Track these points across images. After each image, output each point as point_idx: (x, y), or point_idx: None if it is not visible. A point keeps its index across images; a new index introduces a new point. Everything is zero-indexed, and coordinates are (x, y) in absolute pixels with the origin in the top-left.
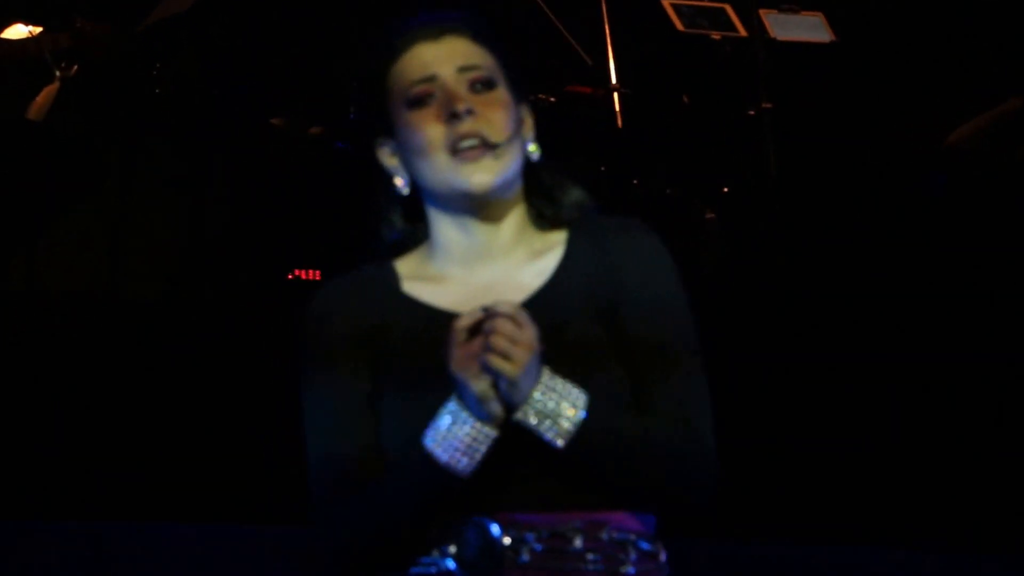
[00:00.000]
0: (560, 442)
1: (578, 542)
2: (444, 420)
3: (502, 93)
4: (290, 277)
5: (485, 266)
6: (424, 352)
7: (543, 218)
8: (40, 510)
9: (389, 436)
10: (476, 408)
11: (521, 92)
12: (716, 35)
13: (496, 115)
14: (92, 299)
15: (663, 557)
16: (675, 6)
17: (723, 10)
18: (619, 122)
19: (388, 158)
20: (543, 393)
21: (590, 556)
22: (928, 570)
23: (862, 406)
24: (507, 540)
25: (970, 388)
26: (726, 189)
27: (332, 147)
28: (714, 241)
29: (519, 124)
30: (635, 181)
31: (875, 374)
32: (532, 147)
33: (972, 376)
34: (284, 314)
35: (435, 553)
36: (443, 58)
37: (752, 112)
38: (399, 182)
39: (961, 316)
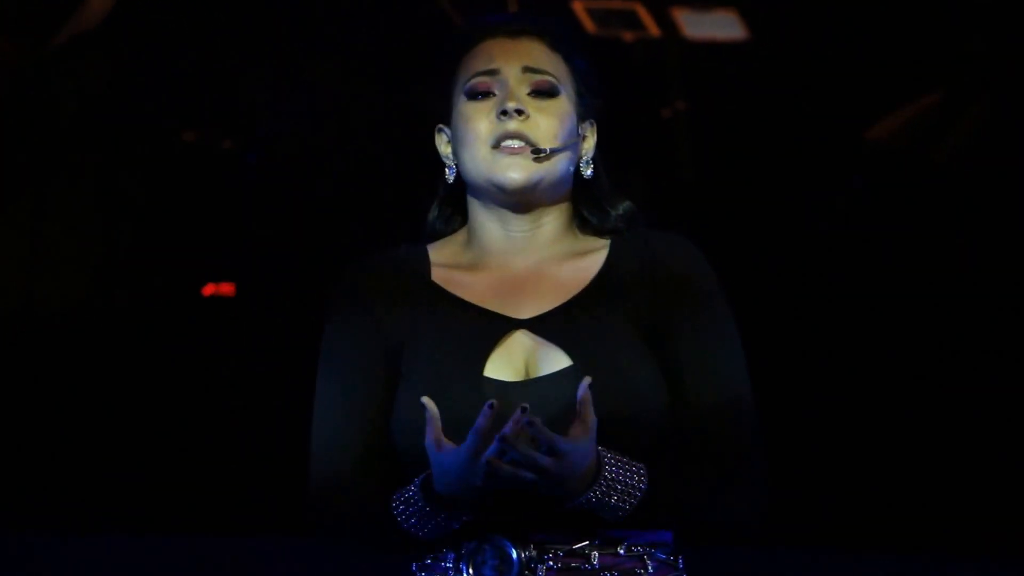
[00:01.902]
0: (621, 515)
1: (595, 559)
2: (416, 503)
3: (563, 103)
4: (204, 290)
5: (521, 260)
6: (447, 347)
7: (588, 224)
8: None
9: (406, 423)
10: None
11: (587, 108)
12: (628, 36)
13: (549, 122)
14: (7, 313)
15: (680, 563)
16: (586, 9)
17: (634, 11)
18: None
19: (444, 146)
20: (603, 493)
21: (607, 573)
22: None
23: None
24: (524, 559)
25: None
26: (642, 190)
27: (243, 160)
28: None
29: (573, 136)
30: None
31: (794, 378)
32: (587, 167)
33: (886, 372)
34: (197, 327)
35: (452, 572)
36: (511, 55)
37: (666, 113)
38: (447, 172)
39: (883, 313)
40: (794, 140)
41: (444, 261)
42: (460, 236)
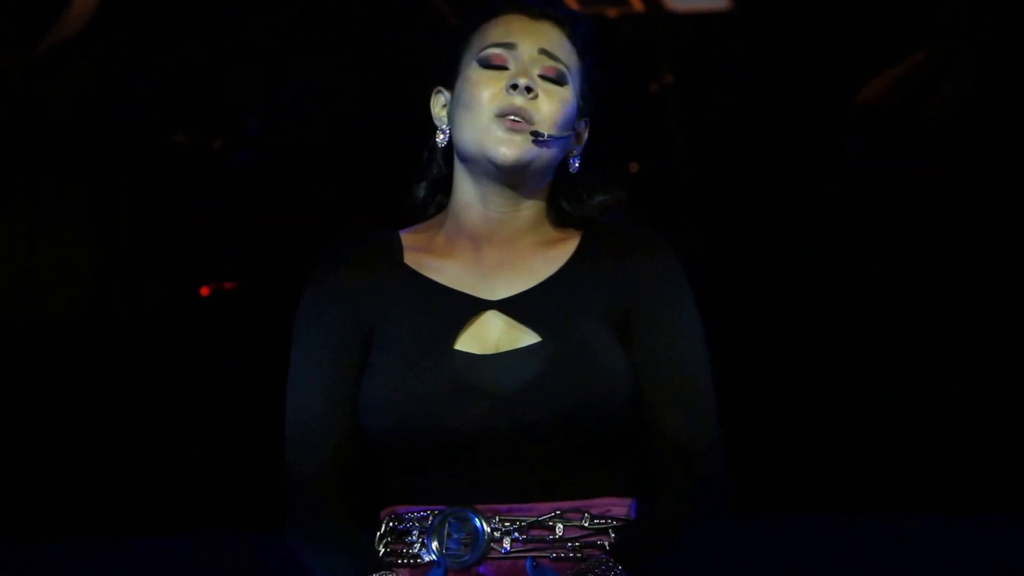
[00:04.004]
0: None
1: (559, 530)
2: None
3: (569, 94)
4: (202, 290)
5: (494, 247)
6: (418, 325)
7: (562, 214)
8: None
9: (374, 402)
10: None
11: (586, 106)
12: (612, 12)
13: (553, 107)
14: (7, 322)
15: None
16: None
17: None
18: None
19: (439, 108)
20: None
21: (571, 543)
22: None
23: (776, 377)
24: (488, 530)
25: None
26: (634, 168)
27: (234, 159)
28: (623, 221)
29: (570, 129)
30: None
31: (799, 345)
32: (575, 162)
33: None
34: (197, 327)
35: (417, 546)
36: (530, 34)
37: (654, 87)
38: (440, 136)
39: (887, 280)
40: (785, 108)
41: (417, 246)
42: (434, 222)
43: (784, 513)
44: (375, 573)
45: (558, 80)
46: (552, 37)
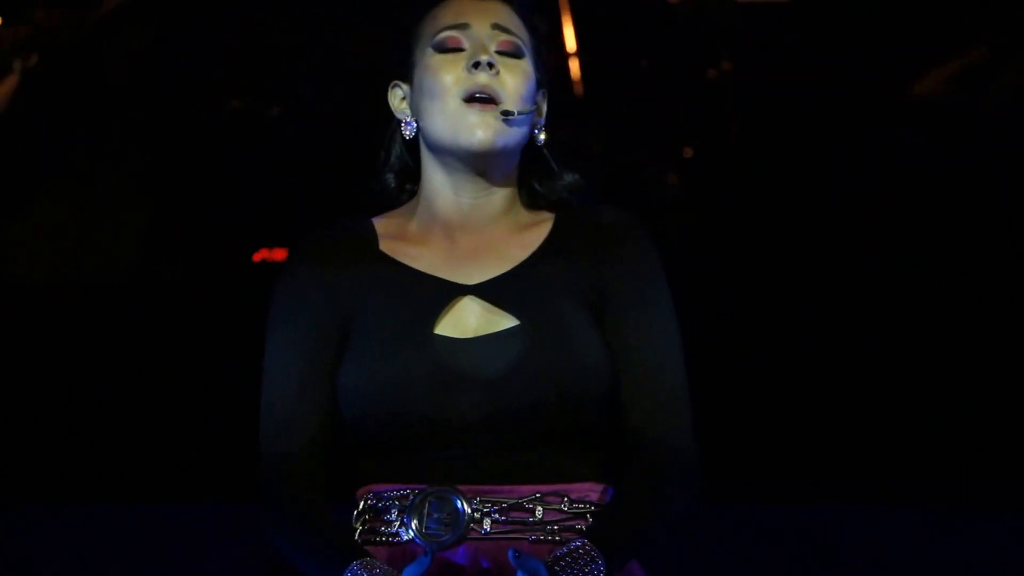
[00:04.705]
0: None
1: (539, 512)
2: None
3: (527, 66)
4: (256, 257)
5: (468, 233)
6: (397, 311)
7: (533, 196)
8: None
9: (353, 387)
10: None
11: (542, 77)
12: None
13: (516, 82)
14: (61, 286)
15: None
16: None
17: None
18: (578, 89)
19: (399, 101)
20: None
21: (550, 526)
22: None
23: (832, 367)
24: (469, 511)
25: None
26: (688, 153)
27: (291, 127)
28: (675, 207)
29: (534, 102)
30: (593, 148)
31: (848, 337)
32: (540, 133)
33: (947, 336)
34: (250, 294)
35: (396, 524)
36: (480, 12)
37: (712, 74)
38: (406, 129)
39: (932, 271)
40: (840, 99)
41: (391, 233)
42: (406, 208)
43: (780, 504)
44: (355, 562)
45: (516, 53)
46: (503, 13)
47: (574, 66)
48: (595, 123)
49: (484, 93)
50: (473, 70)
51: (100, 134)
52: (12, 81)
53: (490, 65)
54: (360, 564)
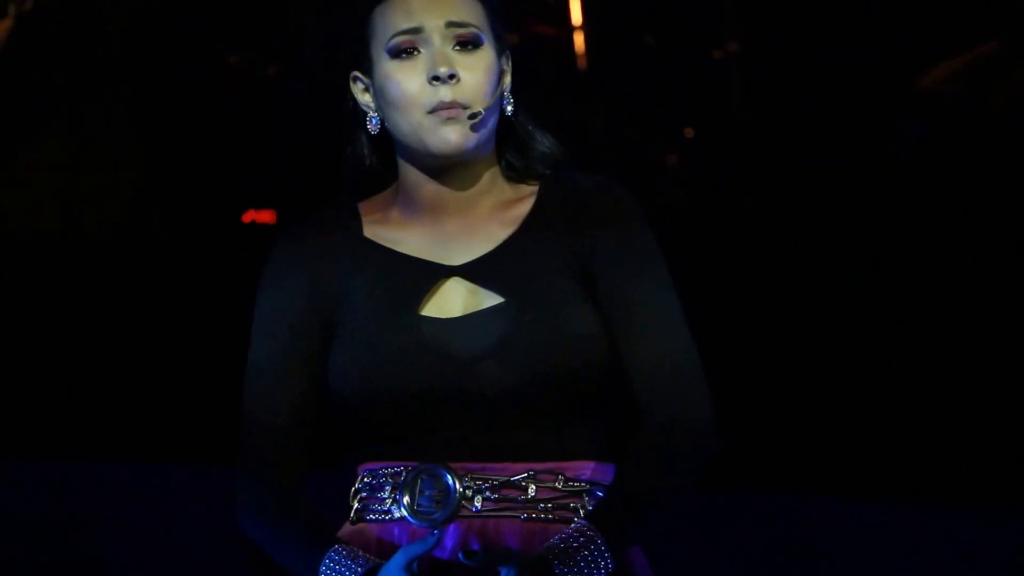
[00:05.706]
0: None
1: (531, 491)
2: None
3: (487, 54)
4: (245, 217)
5: (451, 214)
6: (384, 294)
7: (513, 170)
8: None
9: (348, 371)
10: None
11: (503, 44)
12: None
13: (478, 79)
14: (48, 239)
15: None
16: None
17: None
18: (581, 63)
19: (362, 94)
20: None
21: (543, 504)
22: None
23: (828, 353)
24: (460, 488)
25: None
26: (690, 133)
27: (289, 87)
28: (676, 185)
29: (499, 85)
30: (596, 123)
31: (846, 327)
32: (507, 104)
33: (949, 327)
34: (237, 254)
35: (389, 501)
36: (432, 9)
37: (718, 54)
38: (370, 124)
39: (936, 261)
40: (846, 85)
41: (375, 217)
42: (389, 192)
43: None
44: (331, 550)
45: (474, 42)
46: (453, 2)
47: (578, 39)
48: (596, 98)
49: (450, 106)
50: (435, 83)
51: (94, 84)
52: (5, 25)
53: (451, 76)
54: (338, 552)
